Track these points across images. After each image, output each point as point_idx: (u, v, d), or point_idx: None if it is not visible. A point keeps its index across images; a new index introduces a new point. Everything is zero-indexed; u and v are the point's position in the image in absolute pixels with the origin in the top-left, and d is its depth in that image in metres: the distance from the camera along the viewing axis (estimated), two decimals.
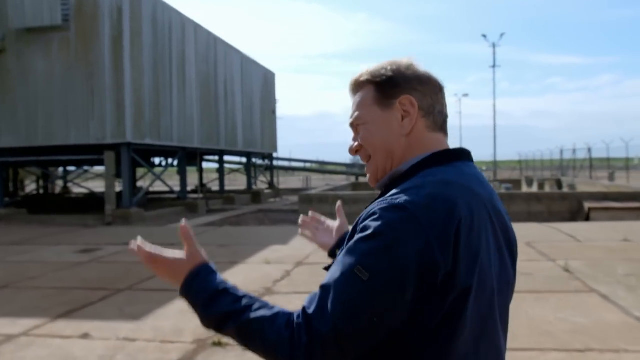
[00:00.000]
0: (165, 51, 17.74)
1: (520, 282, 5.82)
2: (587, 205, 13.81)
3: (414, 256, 1.09)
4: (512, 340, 4.87)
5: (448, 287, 1.12)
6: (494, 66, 36.12)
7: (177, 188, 20.63)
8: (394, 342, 1.15)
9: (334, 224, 1.83)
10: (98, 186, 38.19)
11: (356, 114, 1.36)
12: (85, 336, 4.99)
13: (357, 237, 1.15)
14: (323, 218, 1.88)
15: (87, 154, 16.80)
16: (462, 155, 1.32)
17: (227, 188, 26.11)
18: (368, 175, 1.39)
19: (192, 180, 26.93)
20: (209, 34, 21.16)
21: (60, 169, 29.28)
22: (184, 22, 19.14)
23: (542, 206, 14.28)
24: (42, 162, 19.06)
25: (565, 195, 14.86)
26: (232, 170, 28.40)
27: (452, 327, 1.14)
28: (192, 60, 19.65)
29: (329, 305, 1.10)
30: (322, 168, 42.45)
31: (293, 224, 14.99)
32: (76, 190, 34.02)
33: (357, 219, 1.21)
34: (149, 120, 16.77)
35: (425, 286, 1.10)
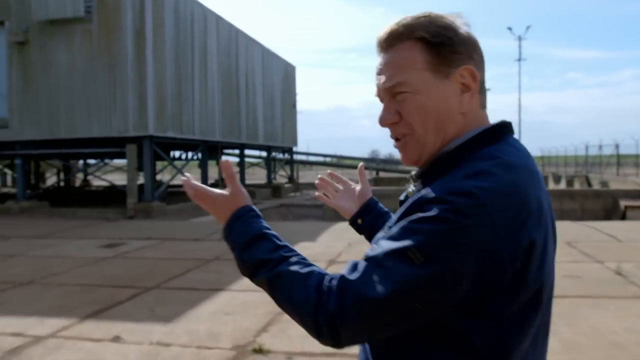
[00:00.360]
0: (187, 43, 17.45)
1: (569, 285, 5.40)
2: (623, 203, 13.31)
3: (477, 249, 0.97)
4: (578, 352, 4.51)
5: (519, 284, 1.01)
6: (519, 60, 35.56)
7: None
8: (451, 337, 1.03)
9: (356, 187, 1.65)
10: (118, 179, 38.19)
11: (400, 77, 1.11)
12: (116, 339, 4.69)
13: (416, 215, 1.01)
14: (345, 178, 1.70)
15: (108, 147, 16.58)
16: (510, 129, 1.16)
17: (245, 182, 25.84)
18: (403, 155, 1.18)
19: (210, 174, 26.65)
20: (230, 26, 20.84)
21: (81, 162, 29.23)
22: (206, 14, 18.83)
23: (575, 204, 13.80)
24: (64, 155, 18.89)
25: (599, 192, 14.36)
26: (252, 164, 28.06)
27: (522, 326, 1.05)
28: (214, 52, 19.35)
29: (369, 280, 1.00)
30: (341, 162, 42.04)
31: (318, 220, 14.67)
32: (96, 183, 34.01)
33: (411, 200, 1.06)
34: (171, 112, 16.50)
35: (488, 280, 0.99)
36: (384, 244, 1.03)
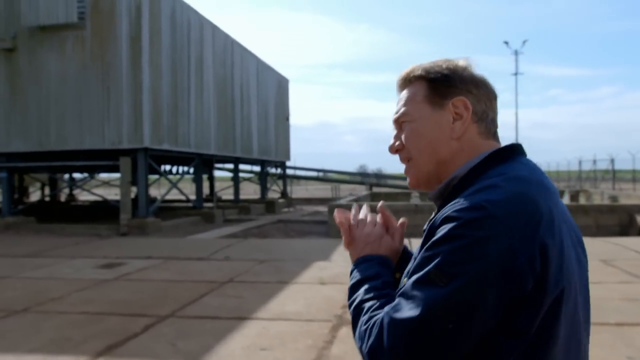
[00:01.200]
0: (183, 52, 16.70)
1: (628, 311, 4.60)
2: (639, 218, 12.76)
3: (496, 258, 1.00)
4: None
5: (541, 292, 1.03)
6: (516, 74, 35.21)
7: (188, 197, 19.49)
8: (483, 351, 1.04)
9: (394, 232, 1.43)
10: (105, 194, 37.09)
11: (402, 109, 1.29)
12: None
13: (432, 240, 1.06)
14: (393, 218, 1.44)
15: (100, 160, 15.70)
16: (522, 150, 1.23)
17: (239, 197, 25.03)
18: (408, 178, 1.31)
19: (194, 189, 25.73)
20: (226, 36, 20.13)
21: (66, 176, 28.18)
22: (202, 23, 18.11)
23: (589, 219, 13.22)
24: (53, 168, 17.93)
25: (614, 207, 13.80)
26: (244, 179, 27.20)
27: (550, 333, 1.05)
28: (210, 63, 18.62)
29: (402, 310, 1.05)
30: (330, 177, 41.19)
31: (322, 236, 13.90)
32: (82, 197, 32.89)
33: (426, 226, 1.14)
34: (167, 124, 15.69)
35: (512, 291, 1.01)
36: (412, 278, 1.07)
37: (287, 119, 28.01)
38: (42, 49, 15.08)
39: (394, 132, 1.32)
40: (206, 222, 17.89)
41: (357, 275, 1.26)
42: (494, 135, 1.25)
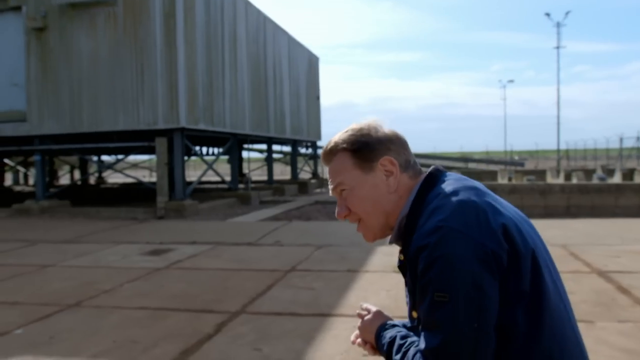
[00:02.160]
0: (217, 30, 15.92)
1: None
2: None
3: (472, 256, 1.21)
4: None
5: (517, 260, 1.25)
6: (557, 47, 33.74)
7: (224, 178, 18.82)
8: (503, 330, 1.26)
9: None
10: (134, 176, 36.72)
11: (338, 180, 1.45)
12: None
13: (419, 272, 1.27)
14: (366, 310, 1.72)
15: (133, 141, 15.07)
16: (441, 170, 1.45)
17: (262, 179, 24.35)
18: (363, 234, 1.50)
19: (225, 170, 25.02)
20: (258, 12, 19.30)
21: (94, 158, 27.77)
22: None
23: None
24: (86, 150, 17.37)
25: None
26: (275, 160, 26.47)
27: (541, 284, 1.28)
28: (243, 40, 17.83)
29: (430, 340, 1.22)
30: None
31: None
32: (110, 180, 32.53)
33: (402, 258, 1.41)
34: (202, 104, 14.98)
35: (496, 270, 1.23)
36: (422, 309, 1.28)
37: (318, 97, 27.19)
38: (73, 27, 14.42)
39: (338, 200, 1.49)
40: (242, 203, 17.25)
41: (386, 338, 1.47)
42: (420, 172, 1.46)
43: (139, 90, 14.03)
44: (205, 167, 19.19)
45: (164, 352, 4.05)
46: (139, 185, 28.11)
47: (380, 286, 5.90)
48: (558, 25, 33.89)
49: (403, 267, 1.42)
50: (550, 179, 19.72)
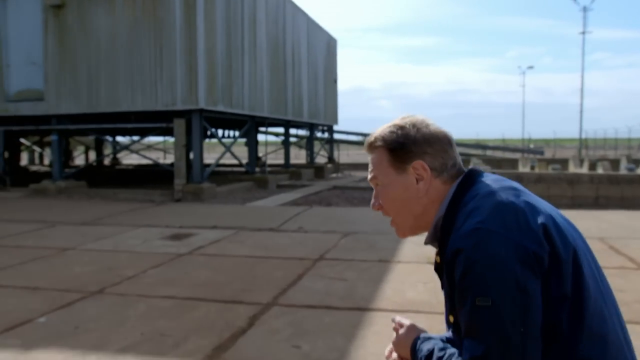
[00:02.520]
0: (237, 10, 15.55)
1: None
2: None
3: (513, 257, 1.17)
4: None
5: (558, 261, 1.21)
6: (583, 33, 32.92)
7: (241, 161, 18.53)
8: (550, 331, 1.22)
9: None
10: (150, 157, 36.57)
11: (374, 173, 1.50)
12: None
13: (457, 277, 1.23)
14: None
15: (150, 122, 14.81)
16: (478, 171, 1.43)
17: (276, 162, 24.07)
18: (395, 229, 1.53)
19: (240, 153, 24.60)
20: None
21: (109, 139, 27.60)
22: None
23: None
24: (103, 130, 17.14)
25: None
26: (291, 143, 26.08)
27: (582, 287, 1.22)
28: (263, 22, 17.45)
29: (477, 348, 1.16)
30: None
31: None
32: (125, 161, 32.42)
33: (439, 260, 1.41)
34: (221, 85, 14.67)
35: (538, 272, 1.19)
36: (462, 321, 1.25)
37: (335, 81, 26.77)
38: (91, 5, 14.11)
39: (374, 191, 1.55)
40: (259, 187, 17.00)
41: (423, 352, 1.40)
42: (458, 174, 1.43)
43: (157, 70, 13.74)
44: (221, 149, 18.94)
45: (196, 347, 3.80)
46: (154, 167, 27.98)
47: (417, 278, 5.60)
48: (585, 9, 33.05)
49: (439, 269, 1.43)
50: (572, 168, 19.29)
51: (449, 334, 1.45)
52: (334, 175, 24.57)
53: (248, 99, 16.34)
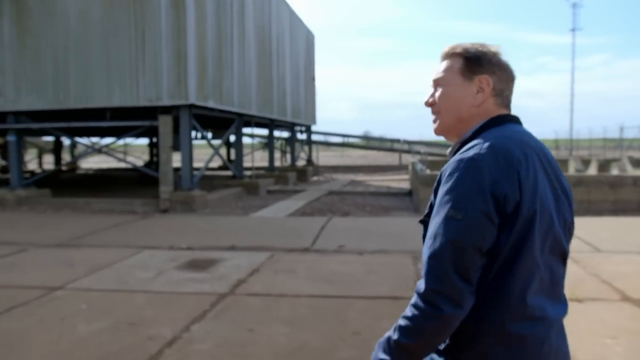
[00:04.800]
0: None
1: None
2: None
3: (488, 187, 1.32)
4: None
5: (517, 215, 1.34)
6: (573, 30, 32.16)
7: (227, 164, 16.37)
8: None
9: None
10: (106, 161, 33.69)
11: (441, 74, 1.56)
12: None
13: (441, 190, 1.39)
14: None
15: (129, 120, 12.56)
16: (514, 118, 1.54)
17: (247, 165, 21.94)
18: (434, 126, 1.60)
19: (202, 156, 22.25)
20: None
21: (67, 141, 24.85)
22: None
23: None
24: (74, 130, 14.67)
25: None
26: (264, 145, 23.89)
27: (522, 249, 1.35)
28: (251, 9, 15.39)
29: (437, 244, 1.32)
30: (363, 144, 38.20)
31: (409, 213, 11.06)
32: (85, 165, 29.59)
33: (439, 176, 1.45)
34: (212, 78, 12.58)
35: (502, 211, 1.33)
36: (433, 226, 1.38)
37: (313, 78, 24.86)
38: None
39: (431, 90, 1.60)
40: (249, 193, 14.94)
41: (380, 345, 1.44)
42: (507, 107, 1.55)
43: (139, 59, 11.54)
44: (201, 152, 16.74)
45: None
46: (119, 172, 25.43)
47: (597, 330, 3.79)
48: (574, 5, 32.38)
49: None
50: (573, 171, 18.01)
51: None
52: (315, 178, 22.66)
53: (237, 94, 14.27)
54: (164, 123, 11.70)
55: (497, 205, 1.32)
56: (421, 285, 1.32)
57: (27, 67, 12.09)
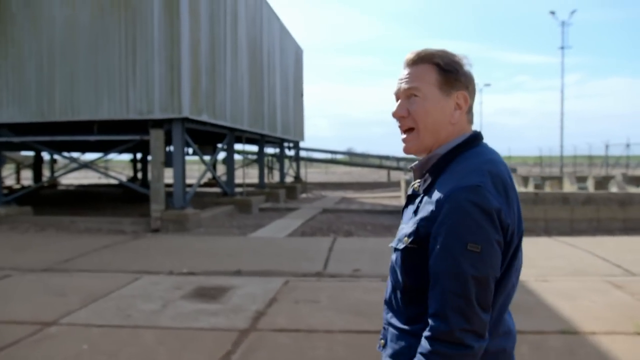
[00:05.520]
0: (220, 2, 12.91)
1: None
2: None
3: (497, 218, 1.29)
4: None
5: (510, 243, 1.35)
6: (562, 48, 32.08)
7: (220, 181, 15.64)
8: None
9: None
10: (88, 177, 32.63)
11: (415, 84, 1.42)
12: None
13: (445, 221, 1.29)
14: None
15: (116, 134, 11.83)
16: (482, 136, 1.48)
17: (248, 182, 21.25)
18: (405, 144, 1.48)
19: (189, 172, 21.34)
20: None
21: (47, 157, 23.87)
22: None
23: None
24: (58, 144, 13.85)
25: None
26: (253, 162, 23.21)
27: (512, 264, 1.38)
28: (243, 19, 14.84)
29: (465, 286, 1.26)
30: (352, 160, 37.57)
31: None
32: (65, 181, 28.54)
33: (434, 199, 1.36)
34: (205, 90, 11.95)
35: (504, 242, 1.33)
36: (441, 257, 1.30)
37: (302, 94, 24.33)
38: None
39: (399, 100, 1.47)
40: (241, 211, 14.26)
41: None
42: (472, 122, 1.49)
43: (129, 68, 10.87)
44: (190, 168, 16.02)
45: None
46: (99, 188, 24.48)
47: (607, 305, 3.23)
48: (563, 24, 32.13)
49: (414, 196, 1.48)
50: (569, 187, 17.67)
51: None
52: (303, 195, 22.04)
53: (230, 108, 13.64)
54: (156, 137, 11.01)
55: (504, 234, 1.32)
56: (441, 326, 1.27)
57: (8, 76, 11.34)
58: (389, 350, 1.43)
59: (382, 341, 1.48)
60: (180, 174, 11.25)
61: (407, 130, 1.46)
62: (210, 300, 5.28)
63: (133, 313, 4.85)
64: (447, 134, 1.43)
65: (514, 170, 31.23)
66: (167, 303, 5.16)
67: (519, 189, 15.28)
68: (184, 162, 11.41)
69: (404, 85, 1.45)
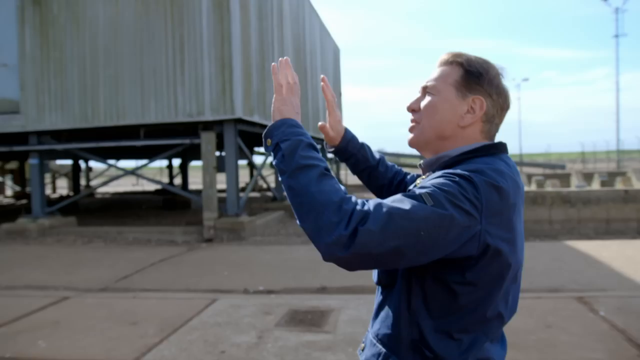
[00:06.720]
0: None
1: None
2: None
3: (466, 220, 1.12)
4: None
5: (500, 261, 1.18)
6: (617, 36, 30.62)
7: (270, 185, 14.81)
8: (452, 295, 1.20)
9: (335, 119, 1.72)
10: (121, 184, 32.17)
11: (433, 82, 1.36)
12: None
13: (430, 181, 1.19)
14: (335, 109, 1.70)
15: (163, 138, 11.04)
16: (505, 148, 1.34)
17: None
18: (410, 136, 1.41)
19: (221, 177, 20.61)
20: None
21: (83, 164, 23.31)
22: None
23: None
24: (104, 151, 13.14)
25: None
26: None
27: (494, 297, 1.21)
28: (288, 17, 13.99)
29: (395, 205, 1.10)
30: (397, 161, 36.47)
31: None
32: (101, 190, 28.03)
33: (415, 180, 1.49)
34: (256, 90, 11.11)
35: (470, 247, 1.14)
36: (408, 193, 1.16)
37: (340, 94, 23.43)
38: None
39: (418, 94, 1.40)
40: (292, 217, 13.39)
41: (297, 134, 1.23)
42: (492, 138, 1.35)
43: (177, 69, 10.08)
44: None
45: None
46: (136, 196, 23.85)
47: None
48: (617, 11, 30.86)
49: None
50: (638, 183, 16.39)
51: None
52: None
53: None
54: (207, 140, 10.18)
55: (465, 232, 1.16)
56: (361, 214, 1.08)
57: (51, 82, 10.63)
58: (366, 354, 1.33)
59: (363, 345, 1.38)
60: (234, 179, 10.40)
61: (414, 122, 1.40)
62: (314, 328, 4.37)
63: (226, 348, 3.96)
64: (452, 134, 1.33)
65: (563, 167, 29.93)
66: (263, 334, 4.26)
67: (583, 187, 14.14)
68: (237, 166, 10.56)
69: (424, 82, 1.41)
